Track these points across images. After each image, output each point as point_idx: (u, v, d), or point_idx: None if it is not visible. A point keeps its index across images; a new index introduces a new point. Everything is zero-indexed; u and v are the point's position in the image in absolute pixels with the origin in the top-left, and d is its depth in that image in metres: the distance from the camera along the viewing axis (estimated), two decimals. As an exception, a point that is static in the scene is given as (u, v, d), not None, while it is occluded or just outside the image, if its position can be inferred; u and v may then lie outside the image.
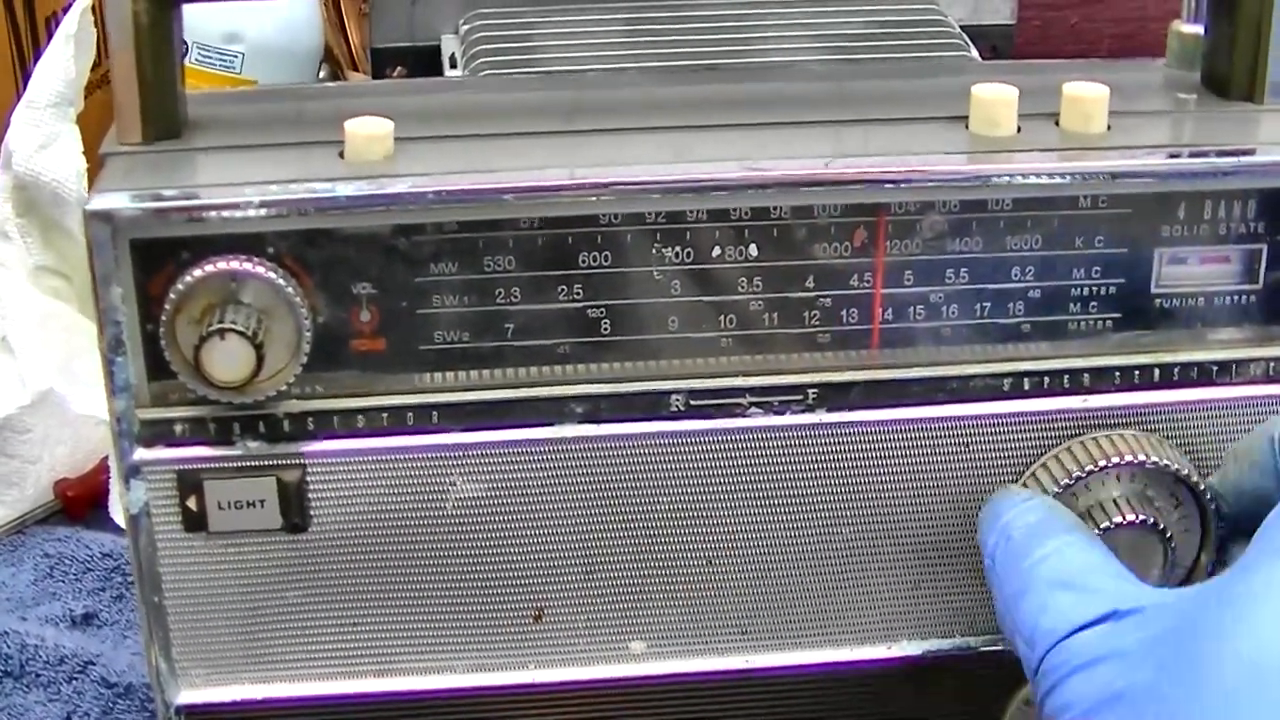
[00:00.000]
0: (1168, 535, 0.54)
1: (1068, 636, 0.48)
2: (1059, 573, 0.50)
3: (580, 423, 0.54)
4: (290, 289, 0.51)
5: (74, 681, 0.69)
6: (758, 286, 0.53)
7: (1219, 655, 0.43)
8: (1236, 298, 0.55)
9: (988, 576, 0.53)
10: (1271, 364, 0.56)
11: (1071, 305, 0.54)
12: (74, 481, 0.81)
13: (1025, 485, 0.55)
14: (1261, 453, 0.52)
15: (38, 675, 0.69)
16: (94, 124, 0.79)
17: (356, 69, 1.10)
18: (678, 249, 0.52)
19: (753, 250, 0.53)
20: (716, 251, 0.53)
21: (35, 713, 0.68)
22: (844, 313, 0.54)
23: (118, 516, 0.74)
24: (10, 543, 0.79)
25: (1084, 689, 0.47)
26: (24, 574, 0.76)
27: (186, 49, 0.94)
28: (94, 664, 0.70)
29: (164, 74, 0.53)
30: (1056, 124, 0.55)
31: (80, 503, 0.81)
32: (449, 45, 0.84)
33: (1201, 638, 0.44)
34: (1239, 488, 0.54)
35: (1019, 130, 0.54)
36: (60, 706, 0.68)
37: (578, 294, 0.53)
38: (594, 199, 0.51)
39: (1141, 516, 0.54)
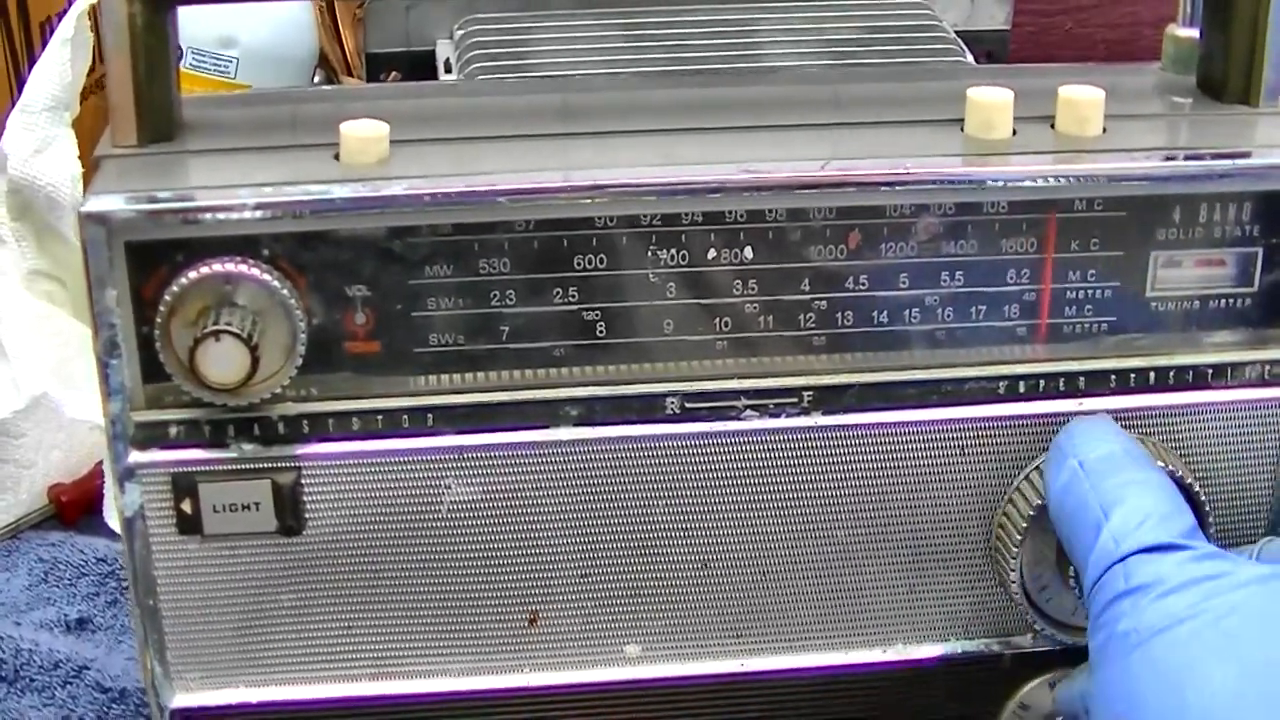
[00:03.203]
0: (1163, 538, 0.54)
1: (1162, 550, 0.49)
2: (1157, 492, 0.51)
3: (575, 425, 0.54)
4: (285, 291, 0.51)
5: (69, 686, 0.69)
6: (753, 289, 0.53)
7: None
8: (1232, 301, 0.55)
9: (1055, 493, 0.53)
10: (1267, 367, 0.56)
11: (1067, 308, 0.54)
12: (68, 486, 0.81)
13: (1020, 490, 0.55)
14: None
15: (32, 680, 0.69)
16: (90, 128, 0.79)
17: (351, 74, 1.10)
18: (673, 251, 0.52)
19: (748, 253, 0.53)
20: (711, 254, 0.53)
21: (30, 717, 0.67)
22: (839, 315, 0.54)
23: (112, 521, 0.73)
24: (4, 548, 0.78)
25: (1174, 606, 0.47)
26: (18, 579, 0.76)
27: (181, 54, 0.94)
28: (89, 668, 0.69)
29: (158, 76, 0.53)
30: (1052, 127, 0.55)
31: (75, 507, 0.80)
32: (443, 50, 0.84)
33: None
34: None
35: (1014, 133, 0.54)
36: (55, 711, 0.68)
37: (573, 296, 0.52)
38: (589, 201, 0.51)
39: (1137, 519, 0.54)
